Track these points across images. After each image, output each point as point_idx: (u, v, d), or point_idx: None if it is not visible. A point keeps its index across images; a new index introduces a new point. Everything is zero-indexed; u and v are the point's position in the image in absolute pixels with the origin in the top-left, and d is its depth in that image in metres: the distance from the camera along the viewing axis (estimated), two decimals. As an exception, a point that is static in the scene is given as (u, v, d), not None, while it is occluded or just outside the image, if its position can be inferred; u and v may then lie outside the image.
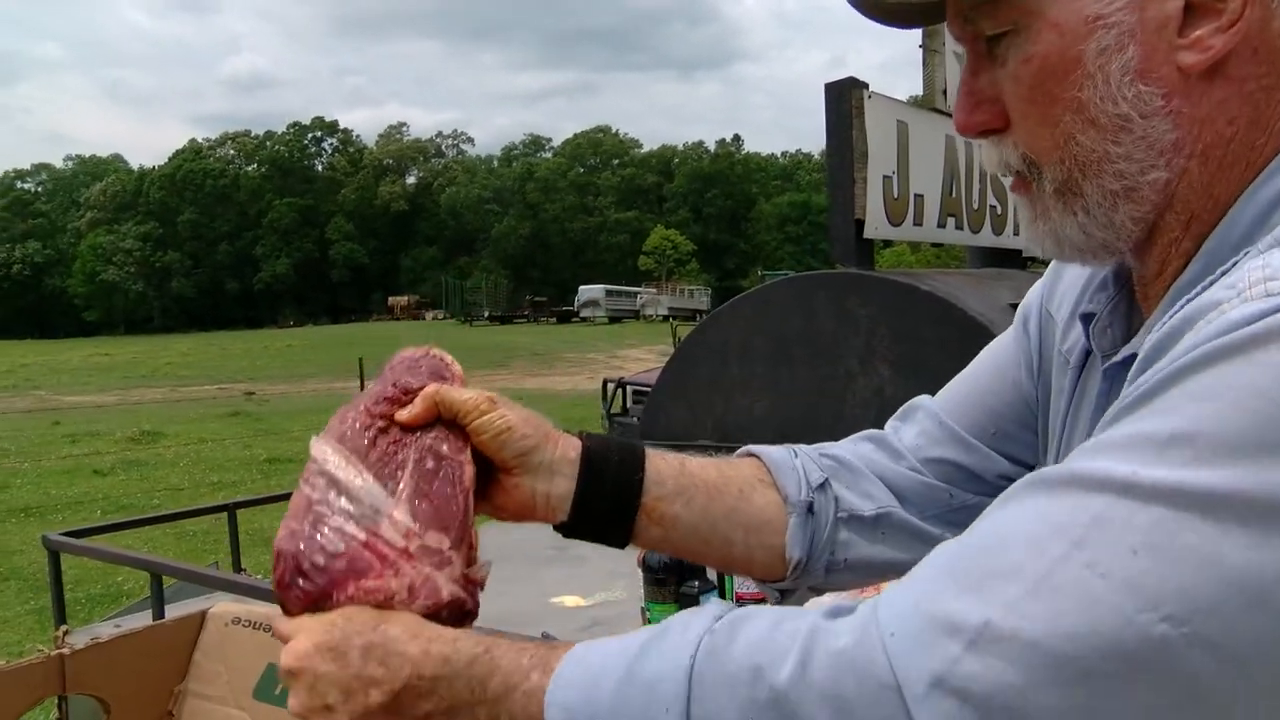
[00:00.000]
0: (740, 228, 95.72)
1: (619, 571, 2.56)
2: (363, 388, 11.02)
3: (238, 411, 22.58)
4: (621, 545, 1.00)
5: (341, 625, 0.79)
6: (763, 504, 1.01)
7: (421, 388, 0.95)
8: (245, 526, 10.21)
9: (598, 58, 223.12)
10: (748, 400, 3.69)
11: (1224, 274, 0.66)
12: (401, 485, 0.90)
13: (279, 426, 19.36)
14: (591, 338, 47.32)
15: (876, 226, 3.70)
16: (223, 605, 1.67)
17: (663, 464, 1.00)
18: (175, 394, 27.93)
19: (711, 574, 2.19)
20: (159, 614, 1.99)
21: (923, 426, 1.08)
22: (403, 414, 0.92)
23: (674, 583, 2.07)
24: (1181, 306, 0.66)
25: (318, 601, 0.85)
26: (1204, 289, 0.66)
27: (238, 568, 2.88)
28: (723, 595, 2.21)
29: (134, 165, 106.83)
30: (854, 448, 1.08)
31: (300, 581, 0.85)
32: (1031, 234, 0.82)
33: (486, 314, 70.82)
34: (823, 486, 1.02)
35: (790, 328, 3.64)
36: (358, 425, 0.93)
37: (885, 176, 3.75)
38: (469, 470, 0.92)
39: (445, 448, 0.93)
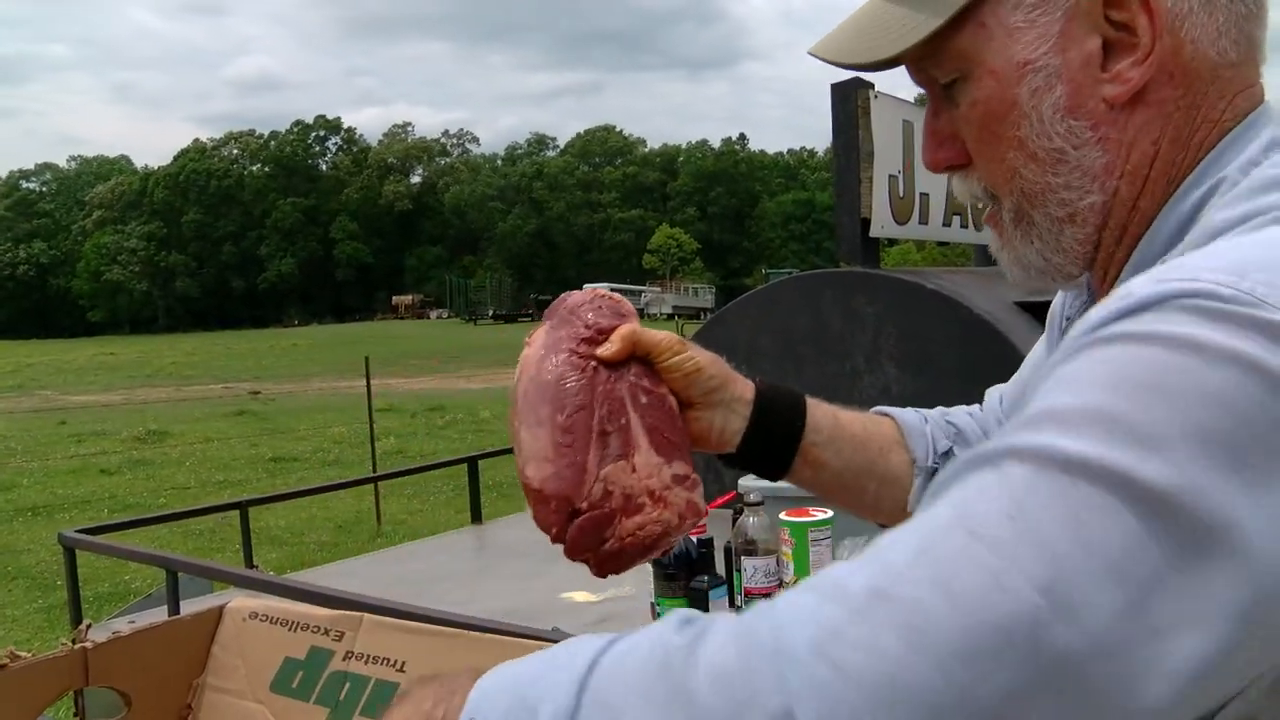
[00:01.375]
0: (744, 226, 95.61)
1: (628, 568, 2.58)
2: (369, 386, 11.00)
3: (243, 411, 22.59)
4: (775, 479, 1.11)
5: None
6: (896, 463, 1.13)
7: (613, 327, 1.00)
8: (253, 524, 10.25)
9: (608, 59, 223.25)
10: (755, 398, 3.71)
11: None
12: (634, 422, 0.97)
13: (285, 425, 19.38)
14: (596, 336, 47.18)
15: (882, 225, 3.72)
16: (240, 600, 1.69)
17: (820, 414, 1.12)
18: (180, 393, 27.96)
19: (720, 569, 2.21)
20: (174, 609, 2.02)
21: (993, 414, 1.20)
22: (603, 351, 0.98)
23: (684, 578, 2.09)
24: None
25: (595, 539, 0.93)
26: None
27: (249, 564, 2.91)
28: (731, 591, 2.23)
29: (140, 166, 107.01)
30: (966, 419, 1.20)
31: (578, 521, 0.93)
32: (1001, 261, 0.89)
33: (491, 313, 70.79)
34: (947, 454, 1.14)
35: (797, 326, 3.65)
36: (567, 366, 0.97)
37: (891, 176, 3.76)
38: (673, 400, 1.01)
39: (647, 383, 1.00)
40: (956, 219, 4.27)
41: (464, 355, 38.53)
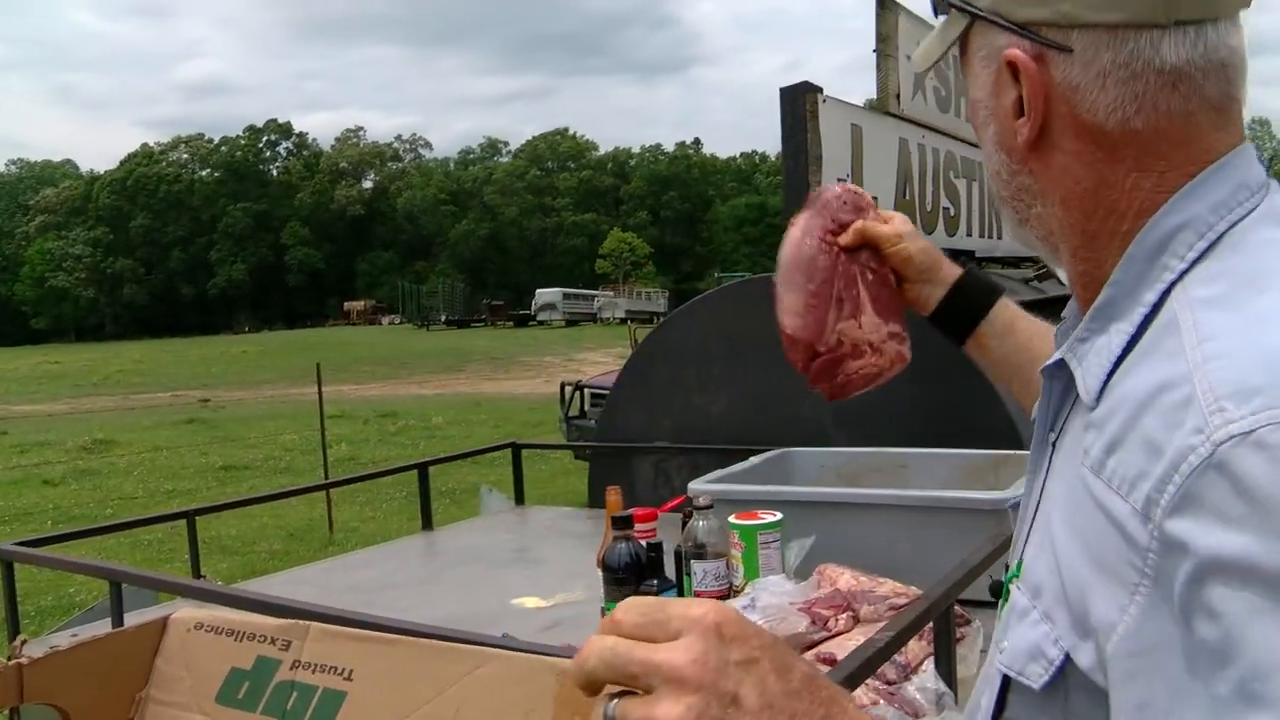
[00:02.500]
0: (697, 230, 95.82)
1: (578, 572, 2.58)
2: (320, 394, 10.89)
3: (193, 419, 22.36)
4: (958, 346, 1.47)
5: (777, 637, 0.72)
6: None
7: (851, 221, 1.40)
8: (202, 534, 10.11)
9: (559, 62, 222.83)
10: (705, 401, 3.71)
11: (1141, 335, 0.83)
12: (862, 292, 1.38)
13: (235, 433, 19.19)
14: (548, 341, 47.24)
15: (831, 229, 3.74)
16: (185, 611, 1.67)
17: (1002, 312, 1.45)
18: (128, 402, 27.61)
19: (670, 573, 2.21)
20: (119, 622, 1.98)
21: None
22: (843, 239, 1.40)
23: (634, 582, 2.09)
24: (1096, 328, 0.88)
25: (829, 375, 1.38)
26: (1119, 333, 0.85)
27: (197, 574, 2.87)
28: (681, 594, 2.24)
29: (85, 170, 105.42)
30: None
31: (817, 361, 1.39)
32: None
33: (443, 318, 70.39)
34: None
35: (746, 329, 3.66)
36: (817, 248, 1.39)
37: (840, 179, 3.78)
38: (891, 277, 1.40)
39: (874, 264, 1.39)
40: (905, 222, 4.31)
41: (416, 361, 38.32)
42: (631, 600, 0.70)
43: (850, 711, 0.70)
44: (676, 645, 0.66)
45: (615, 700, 0.67)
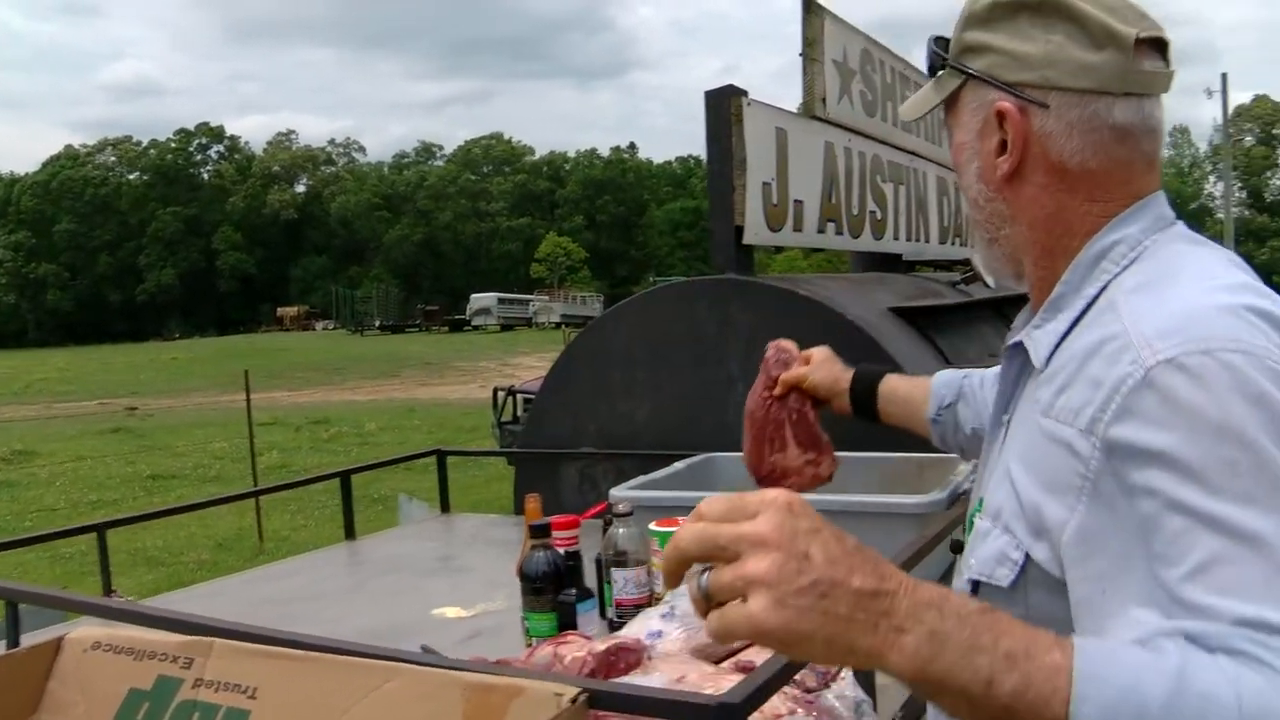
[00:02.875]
0: (632, 234, 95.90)
1: (500, 581, 2.54)
2: (249, 401, 10.72)
3: (119, 428, 21.90)
4: (877, 422, 1.91)
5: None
6: (925, 415, 1.84)
7: (779, 376, 1.89)
8: (126, 546, 9.87)
9: (496, 66, 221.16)
10: (630, 407, 3.69)
11: (1086, 304, 1.11)
12: (787, 431, 1.86)
13: (163, 442, 18.84)
14: (484, 346, 47.02)
15: (756, 232, 3.73)
16: (83, 630, 1.61)
17: (889, 394, 1.89)
18: (51, 411, 26.98)
19: (591, 581, 2.19)
20: (14, 643, 1.92)
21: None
22: (776, 392, 1.89)
23: (551, 592, 2.06)
24: (1049, 316, 1.14)
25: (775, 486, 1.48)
26: (1069, 315, 1.12)
27: (108, 590, 2.78)
28: (602, 603, 2.21)
29: (4, 172, 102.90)
30: (977, 380, 1.78)
31: (759, 481, 1.87)
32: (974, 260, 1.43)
33: (378, 323, 69.75)
34: (949, 407, 1.80)
35: (672, 334, 3.64)
36: (756, 403, 1.90)
37: (765, 183, 3.78)
38: (812, 412, 1.88)
39: (796, 404, 1.88)
40: (831, 225, 4.31)
41: (350, 367, 37.91)
42: (710, 497, 0.89)
43: (892, 567, 0.86)
44: (758, 519, 0.84)
45: (706, 571, 0.85)
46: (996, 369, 1.57)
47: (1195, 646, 0.83)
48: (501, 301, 68.47)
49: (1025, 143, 1.16)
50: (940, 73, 1.27)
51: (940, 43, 1.28)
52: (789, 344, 1.95)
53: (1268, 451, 0.88)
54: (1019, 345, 1.18)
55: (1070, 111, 1.14)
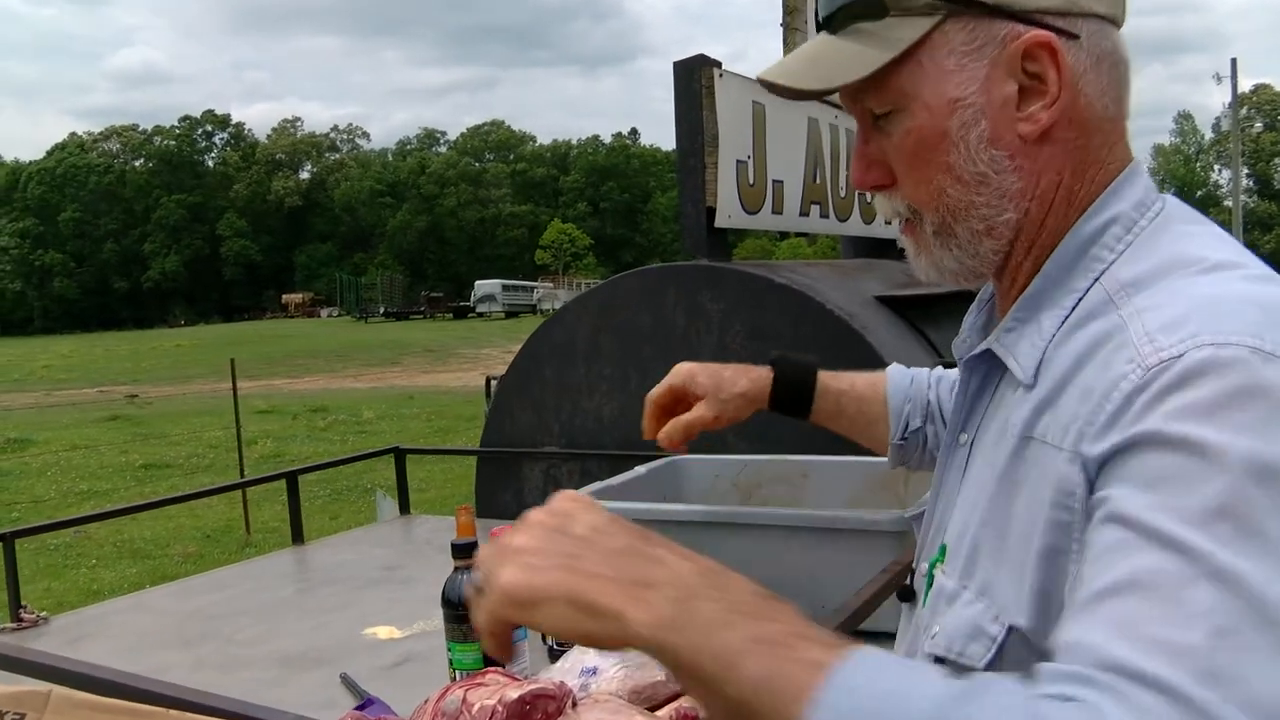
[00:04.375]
0: (637, 221, 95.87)
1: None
2: (235, 389, 10.55)
3: (117, 416, 21.75)
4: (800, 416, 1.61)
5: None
6: (879, 433, 1.58)
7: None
8: (113, 538, 9.75)
9: (501, 54, 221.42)
10: (595, 403, 3.45)
11: (1076, 299, 0.92)
12: None
13: (159, 430, 18.68)
14: (487, 333, 46.97)
15: (730, 215, 3.47)
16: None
17: (825, 402, 1.58)
18: (50, 399, 26.85)
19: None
20: None
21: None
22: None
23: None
24: (1024, 317, 0.95)
25: None
26: (1053, 308, 0.93)
27: (15, 606, 2.56)
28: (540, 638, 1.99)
29: (10, 160, 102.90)
30: (946, 394, 1.53)
31: None
32: (916, 265, 1.05)
33: (382, 310, 69.87)
34: (916, 431, 1.54)
35: (639, 325, 3.40)
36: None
37: (739, 161, 3.53)
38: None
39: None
40: (816, 208, 4.06)
41: (353, 354, 37.79)
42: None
43: (674, 545, 0.74)
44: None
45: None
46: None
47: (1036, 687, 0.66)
48: (506, 288, 68.51)
49: (1063, 85, 0.92)
50: (882, 9, 0.95)
51: None
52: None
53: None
54: (985, 354, 0.99)
55: (1102, 42, 0.94)
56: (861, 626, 1.60)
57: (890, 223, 1.07)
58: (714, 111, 3.37)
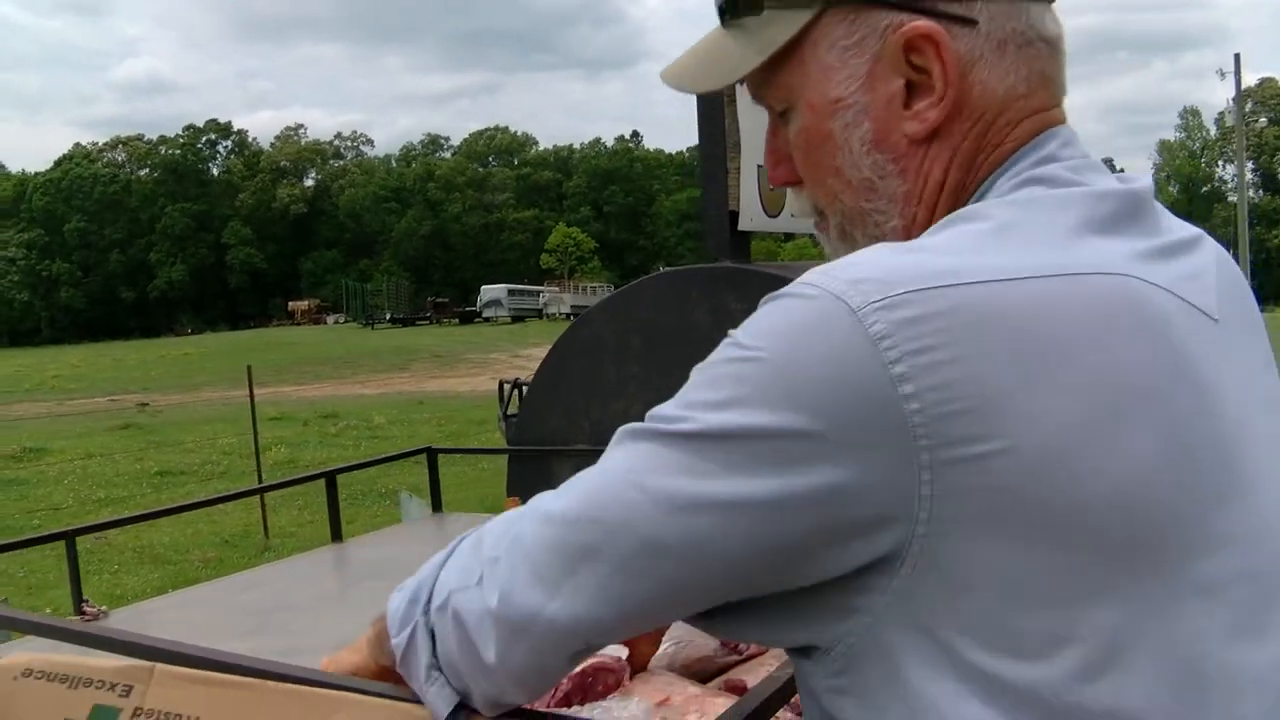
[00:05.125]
0: (641, 225, 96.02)
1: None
2: (251, 395, 10.65)
3: (129, 424, 21.88)
4: None
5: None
6: None
7: None
8: (133, 544, 9.84)
9: (504, 59, 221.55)
10: (623, 403, 3.57)
11: None
12: None
13: (172, 438, 18.82)
14: (494, 338, 47.07)
15: (751, 218, 3.60)
16: (15, 656, 1.51)
17: None
18: (62, 408, 26.99)
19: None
20: (-51, 666, 1.81)
21: None
22: None
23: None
24: None
25: None
26: None
27: (79, 600, 2.67)
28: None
29: (16, 171, 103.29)
30: None
31: None
32: None
33: (388, 316, 70.07)
34: None
35: (664, 325, 3.52)
36: None
37: (760, 166, 3.65)
38: None
39: None
40: (832, 211, 4.20)
41: (360, 360, 37.92)
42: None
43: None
44: None
45: None
46: None
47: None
48: (512, 293, 68.63)
49: (949, 79, 0.85)
50: (758, 4, 0.90)
51: None
52: None
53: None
54: None
55: (1008, 23, 0.86)
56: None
57: (798, 217, 1.04)
58: (735, 119, 3.49)
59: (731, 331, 0.80)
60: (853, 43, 0.87)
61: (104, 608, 2.74)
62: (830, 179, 0.91)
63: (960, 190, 0.88)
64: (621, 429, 0.86)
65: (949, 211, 0.85)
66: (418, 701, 1.24)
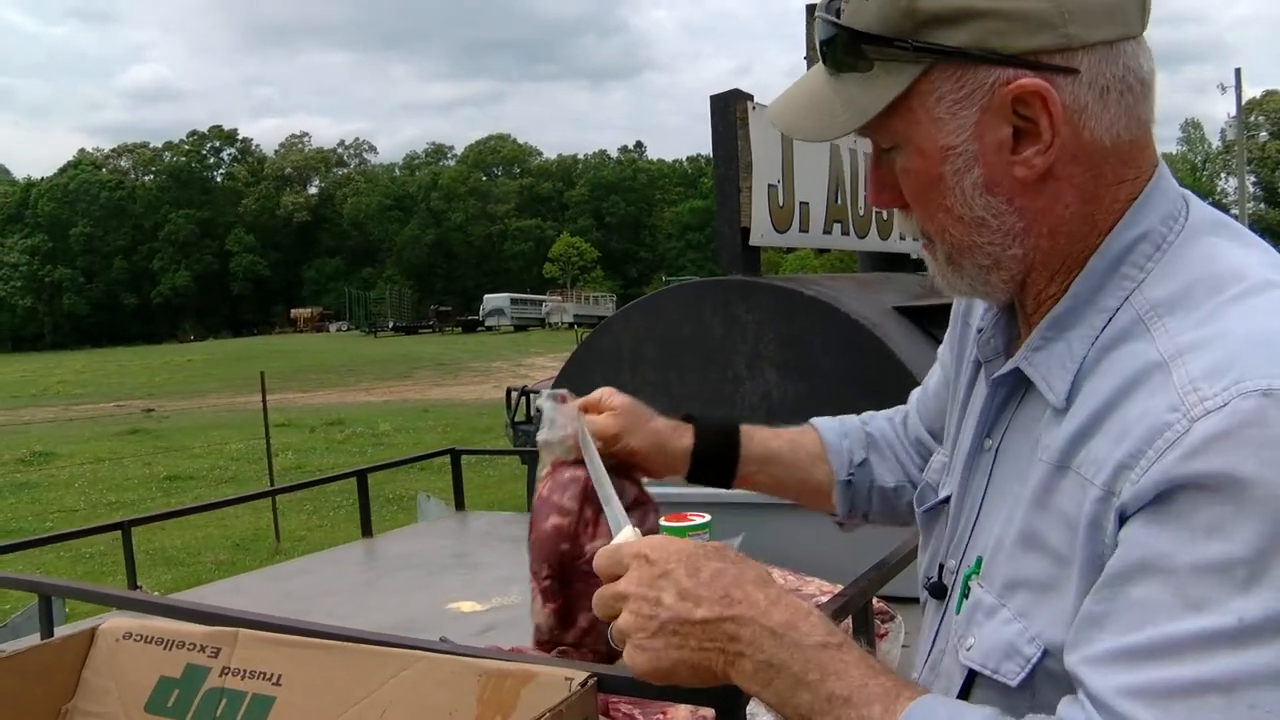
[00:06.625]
0: (642, 235, 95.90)
1: (513, 577, 2.60)
2: (265, 402, 10.79)
3: (136, 429, 22.02)
4: (726, 487, 1.45)
5: (700, 547, 0.99)
6: (819, 476, 1.44)
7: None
8: (145, 546, 9.93)
9: (509, 68, 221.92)
10: (641, 406, 3.76)
11: (1104, 316, 0.91)
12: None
13: (180, 443, 18.95)
14: (497, 346, 47.09)
15: (762, 234, 3.80)
16: (114, 620, 1.67)
17: (753, 448, 1.43)
18: (69, 413, 27.13)
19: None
20: (48, 634, 1.98)
21: (909, 417, 1.46)
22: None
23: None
24: (1052, 336, 0.94)
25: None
26: (1086, 329, 0.92)
27: (133, 585, 2.85)
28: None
29: (21, 177, 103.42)
30: (883, 427, 1.47)
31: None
32: (935, 280, 1.05)
33: (391, 324, 69.95)
34: (862, 464, 1.43)
35: (680, 334, 3.71)
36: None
37: (770, 185, 3.84)
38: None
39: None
40: (837, 226, 4.37)
41: (364, 368, 37.99)
42: (600, 550, 1.03)
43: (747, 588, 0.94)
44: (623, 577, 0.98)
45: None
46: (895, 409, 1.50)
47: None
48: (514, 302, 68.55)
49: (1055, 130, 0.90)
50: (867, 62, 0.94)
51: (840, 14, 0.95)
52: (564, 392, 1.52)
53: None
54: (1011, 374, 1.00)
55: (1106, 71, 0.90)
56: (887, 591, 1.80)
57: (906, 238, 1.21)
58: (748, 141, 3.69)
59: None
60: (961, 96, 0.91)
61: (157, 593, 2.92)
62: (940, 214, 0.96)
63: (1090, 219, 0.94)
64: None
65: (1087, 238, 0.94)
66: (482, 657, 1.42)
